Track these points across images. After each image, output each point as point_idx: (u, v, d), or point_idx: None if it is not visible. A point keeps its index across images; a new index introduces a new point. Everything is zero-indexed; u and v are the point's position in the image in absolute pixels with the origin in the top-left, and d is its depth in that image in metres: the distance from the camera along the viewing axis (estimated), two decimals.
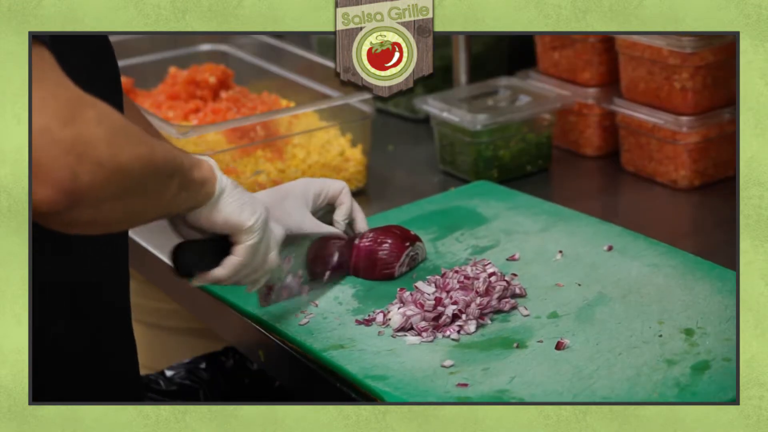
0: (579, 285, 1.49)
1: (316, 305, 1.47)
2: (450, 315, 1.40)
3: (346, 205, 1.56)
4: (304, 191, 1.52)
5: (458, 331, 1.39)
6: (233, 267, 1.32)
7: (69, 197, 1.10)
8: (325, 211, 1.57)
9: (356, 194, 1.75)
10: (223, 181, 1.29)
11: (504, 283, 1.45)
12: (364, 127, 1.94)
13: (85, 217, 1.13)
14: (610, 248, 1.57)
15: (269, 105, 2.02)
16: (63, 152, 1.08)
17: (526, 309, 1.44)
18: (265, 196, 1.50)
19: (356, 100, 1.91)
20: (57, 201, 1.09)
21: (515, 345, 1.36)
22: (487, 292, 1.43)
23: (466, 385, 1.29)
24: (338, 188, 1.54)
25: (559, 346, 1.35)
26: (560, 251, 1.57)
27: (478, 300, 1.42)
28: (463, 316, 1.40)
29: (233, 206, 1.29)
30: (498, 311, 1.44)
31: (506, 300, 1.44)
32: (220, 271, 1.32)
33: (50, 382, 1.29)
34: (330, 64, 2.01)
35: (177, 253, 1.31)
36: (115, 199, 1.13)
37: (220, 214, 1.29)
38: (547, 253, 1.58)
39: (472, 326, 1.40)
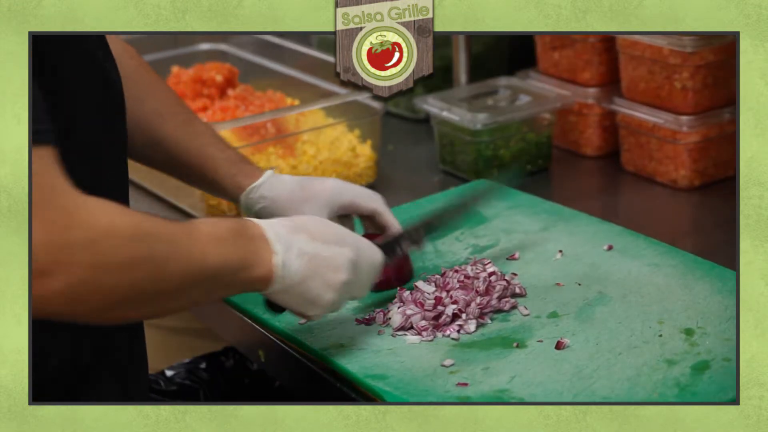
0: (579, 285, 1.49)
1: None
2: (450, 314, 1.40)
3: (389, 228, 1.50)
4: (331, 199, 1.49)
5: (458, 331, 1.39)
6: (304, 318, 1.34)
7: (42, 311, 1.10)
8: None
9: None
10: (285, 281, 1.25)
11: (504, 283, 1.45)
12: (373, 123, 1.94)
13: (66, 319, 1.13)
14: (610, 248, 1.58)
15: (276, 102, 2.02)
16: (36, 276, 1.07)
17: (526, 308, 1.44)
18: (289, 191, 1.49)
19: (366, 96, 1.92)
20: (33, 313, 1.11)
21: (515, 344, 1.36)
22: (487, 291, 1.43)
23: (466, 384, 1.29)
24: (370, 208, 1.49)
25: (558, 345, 1.35)
26: (560, 251, 1.57)
27: (479, 299, 1.42)
28: (463, 316, 1.40)
29: (293, 302, 1.28)
30: (498, 311, 1.44)
31: (506, 299, 1.44)
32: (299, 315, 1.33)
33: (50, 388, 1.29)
34: (330, 59, 2.01)
35: None
36: (100, 312, 1.12)
37: (279, 301, 1.28)
38: (547, 253, 1.58)
39: (472, 326, 1.40)
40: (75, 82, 1.24)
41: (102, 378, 1.33)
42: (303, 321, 1.41)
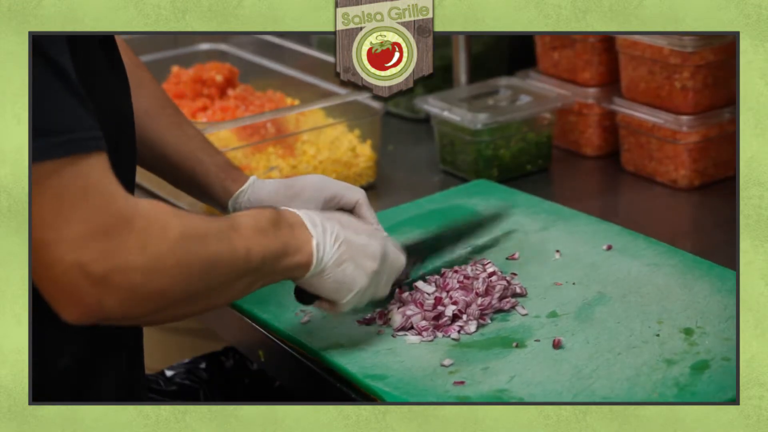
0: (578, 284, 1.49)
1: None
2: (450, 315, 1.40)
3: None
4: (316, 194, 1.50)
5: (458, 332, 1.39)
6: (330, 311, 1.35)
7: (96, 318, 1.12)
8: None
9: (366, 189, 1.75)
10: (322, 264, 1.29)
11: (504, 283, 1.45)
12: (373, 123, 1.94)
13: (119, 323, 1.16)
14: (609, 248, 1.57)
15: (276, 102, 2.03)
16: (92, 284, 1.09)
17: (524, 308, 1.44)
18: (274, 192, 1.50)
19: (366, 96, 1.92)
20: (82, 320, 1.12)
21: (514, 344, 1.36)
22: (487, 292, 1.43)
23: (462, 382, 1.29)
24: (353, 199, 1.50)
25: (555, 344, 1.35)
26: (557, 251, 1.57)
27: (480, 300, 1.42)
28: (464, 317, 1.40)
29: (328, 286, 1.31)
30: (499, 311, 1.43)
31: (506, 300, 1.44)
32: (325, 307, 1.35)
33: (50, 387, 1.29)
34: (330, 59, 2.01)
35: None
36: (153, 314, 1.15)
37: (315, 288, 1.31)
38: (546, 253, 1.58)
39: (472, 326, 1.40)
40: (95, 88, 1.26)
41: (105, 377, 1.33)
42: (331, 310, 1.38)
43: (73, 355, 1.28)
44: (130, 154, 1.35)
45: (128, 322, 1.17)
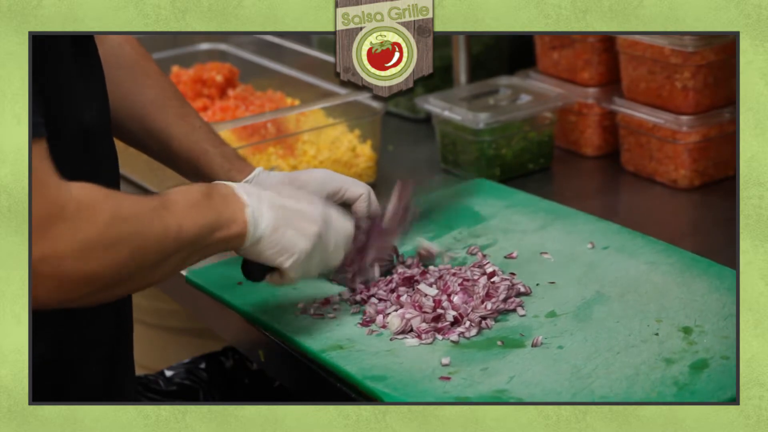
0: (577, 284, 1.49)
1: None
2: (450, 319, 1.40)
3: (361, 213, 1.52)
4: (320, 187, 1.50)
5: (459, 335, 1.39)
6: (280, 282, 1.36)
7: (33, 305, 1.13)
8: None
9: None
10: (258, 230, 1.29)
11: (508, 283, 1.45)
12: (373, 123, 1.94)
13: (53, 307, 1.16)
14: (592, 245, 1.57)
15: (276, 102, 2.03)
16: None
17: (522, 309, 1.44)
18: (279, 184, 1.50)
19: (366, 96, 1.92)
20: None
21: (499, 342, 1.36)
22: (489, 296, 1.43)
23: (448, 378, 1.29)
24: (357, 193, 1.50)
25: (535, 343, 1.35)
26: (543, 252, 1.56)
27: (489, 305, 1.41)
28: (467, 323, 1.40)
29: (268, 252, 1.31)
30: (503, 311, 1.43)
31: (511, 300, 1.44)
32: (275, 279, 1.36)
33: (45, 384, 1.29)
34: (330, 59, 2.01)
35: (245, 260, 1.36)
36: (87, 297, 1.16)
37: (256, 255, 1.32)
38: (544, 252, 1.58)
39: (473, 331, 1.39)
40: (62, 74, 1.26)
41: (87, 372, 1.33)
42: (282, 281, 1.39)
43: (43, 353, 1.28)
44: (106, 155, 1.35)
45: (65, 306, 1.17)
